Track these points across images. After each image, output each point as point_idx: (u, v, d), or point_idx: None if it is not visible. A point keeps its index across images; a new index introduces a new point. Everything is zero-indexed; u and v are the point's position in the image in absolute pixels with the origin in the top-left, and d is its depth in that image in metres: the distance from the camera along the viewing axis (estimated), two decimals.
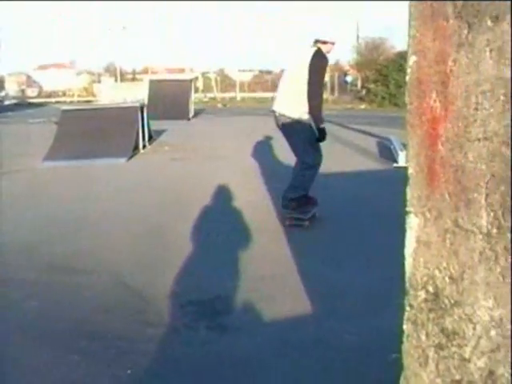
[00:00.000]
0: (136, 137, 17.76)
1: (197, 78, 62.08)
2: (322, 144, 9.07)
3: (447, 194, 2.30)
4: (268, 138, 18.26)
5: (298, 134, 9.01)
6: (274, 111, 9.23)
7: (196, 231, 8.34)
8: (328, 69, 8.88)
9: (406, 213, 2.47)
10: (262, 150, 16.64)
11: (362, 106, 47.50)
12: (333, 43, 8.95)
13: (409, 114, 2.46)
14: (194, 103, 35.12)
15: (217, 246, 7.65)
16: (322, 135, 8.99)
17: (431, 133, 2.34)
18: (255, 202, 10.60)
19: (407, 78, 2.47)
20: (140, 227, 8.60)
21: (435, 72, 2.33)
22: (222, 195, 10.99)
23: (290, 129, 9.05)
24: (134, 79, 77.46)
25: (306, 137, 8.99)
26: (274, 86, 62.84)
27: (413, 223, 2.46)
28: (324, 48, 8.93)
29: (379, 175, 13.23)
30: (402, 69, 40.70)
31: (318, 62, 8.81)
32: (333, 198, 10.72)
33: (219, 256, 7.16)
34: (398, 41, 77.34)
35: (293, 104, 8.94)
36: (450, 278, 2.31)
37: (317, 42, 9.01)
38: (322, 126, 8.90)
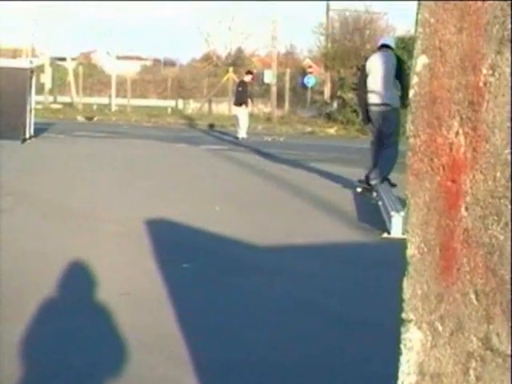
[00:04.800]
0: None
1: (41, 68, 39.56)
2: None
3: (473, 294, 1.53)
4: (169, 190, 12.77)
5: None
6: None
7: None
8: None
9: (403, 322, 1.50)
10: (152, 206, 10.74)
11: (332, 130, 30.87)
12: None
13: (412, 153, 1.49)
14: (35, 112, 22.74)
15: None
16: None
17: (449, 188, 1.56)
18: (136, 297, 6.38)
19: (411, 92, 1.46)
20: None
21: (459, 85, 1.54)
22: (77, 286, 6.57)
23: None
24: None
25: None
26: (179, 89, 47.20)
27: (413, 340, 1.56)
28: None
29: (357, 254, 8.61)
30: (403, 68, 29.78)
31: None
32: (278, 301, 6.52)
33: None
34: (400, 16, 57.45)
35: None
36: None
37: None
38: None
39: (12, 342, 4.97)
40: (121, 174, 14.29)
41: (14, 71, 21.25)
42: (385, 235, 9.00)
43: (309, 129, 30.63)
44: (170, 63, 64.73)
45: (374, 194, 11.69)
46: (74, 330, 5.34)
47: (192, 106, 40.84)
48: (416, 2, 1.49)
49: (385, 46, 12.33)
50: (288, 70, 37.25)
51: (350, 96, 29.55)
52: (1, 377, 4.47)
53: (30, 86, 21.47)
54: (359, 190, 12.33)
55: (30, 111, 21.32)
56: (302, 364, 4.86)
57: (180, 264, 7.26)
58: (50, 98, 42.11)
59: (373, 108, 11.83)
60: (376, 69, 11.84)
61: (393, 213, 9.06)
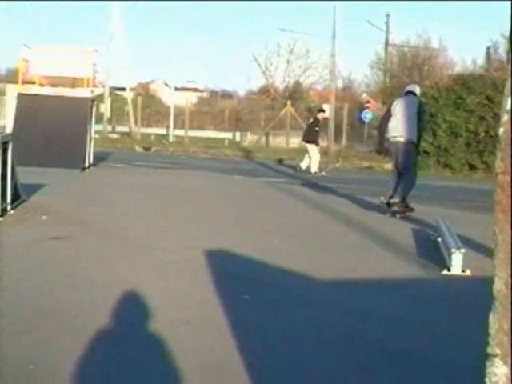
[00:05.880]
0: None
1: (101, 97, 40.29)
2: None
3: None
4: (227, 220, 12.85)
5: None
6: None
7: None
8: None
9: (488, 357, 1.43)
10: (211, 236, 10.90)
11: (389, 165, 30.22)
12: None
13: (501, 190, 1.45)
14: (95, 141, 23.32)
15: None
16: None
17: None
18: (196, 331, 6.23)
19: (501, 130, 1.44)
20: None
21: None
22: (135, 315, 6.54)
23: None
24: None
25: None
26: (236, 121, 47.78)
27: (499, 375, 1.47)
28: None
29: (418, 290, 8.45)
30: (463, 104, 29.02)
31: None
32: (337, 335, 6.37)
33: None
34: (459, 51, 56.19)
35: None
36: None
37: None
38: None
39: (69, 370, 4.98)
40: (178, 204, 14.32)
41: (76, 100, 21.68)
42: (445, 272, 8.80)
43: (366, 164, 30.01)
44: (227, 95, 65.02)
45: (399, 216, 13.63)
46: (133, 359, 5.31)
47: (249, 139, 40.84)
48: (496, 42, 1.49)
49: (410, 93, 14.17)
50: (346, 105, 36.85)
51: None
52: None
53: (91, 116, 21.73)
54: (389, 214, 13.82)
55: (90, 140, 21.52)
56: None
57: (240, 295, 7.24)
58: (109, 128, 42.66)
59: (393, 140, 13.66)
60: (400, 109, 13.74)
61: (453, 249, 8.86)
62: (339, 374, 5.26)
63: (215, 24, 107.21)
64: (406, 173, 13.79)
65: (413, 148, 13.76)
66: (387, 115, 14.13)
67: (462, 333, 6.37)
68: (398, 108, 13.91)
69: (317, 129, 25.27)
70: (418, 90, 14.53)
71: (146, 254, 9.21)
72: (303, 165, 25.04)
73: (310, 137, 25.13)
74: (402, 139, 13.60)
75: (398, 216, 13.64)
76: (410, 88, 14.68)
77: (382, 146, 14.83)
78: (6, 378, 4.87)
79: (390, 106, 14.29)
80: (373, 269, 9.21)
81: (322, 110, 27.46)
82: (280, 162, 30.23)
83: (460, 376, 5.25)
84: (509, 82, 1.52)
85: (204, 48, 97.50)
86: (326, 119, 25.43)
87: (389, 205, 13.93)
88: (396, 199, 13.84)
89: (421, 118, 13.80)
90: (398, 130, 13.67)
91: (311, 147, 24.88)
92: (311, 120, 26.74)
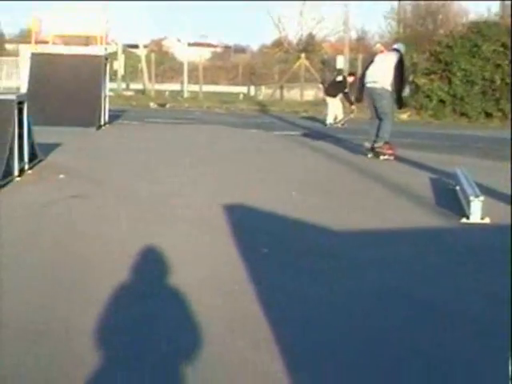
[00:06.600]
0: (8, 155, 11.01)
1: (114, 55, 39.00)
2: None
3: None
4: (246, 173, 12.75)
5: None
6: None
7: None
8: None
9: None
10: (232, 193, 10.65)
11: (405, 116, 29.20)
12: None
13: None
14: (109, 99, 22.59)
15: None
16: None
17: None
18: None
19: None
20: None
21: None
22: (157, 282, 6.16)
23: None
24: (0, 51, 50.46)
25: None
26: (250, 75, 46.92)
27: None
28: None
29: (437, 239, 8.27)
30: (478, 52, 28.48)
31: None
32: (360, 286, 6.25)
33: None
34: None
35: None
36: None
37: None
38: None
39: (89, 327, 5.00)
40: (195, 159, 14.22)
41: (90, 58, 21.45)
42: (464, 220, 8.78)
43: None
44: (240, 50, 64.55)
45: (382, 157, 14.63)
46: (154, 314, 5.31)
47: (264, 92, 40.64)
48: None
49: (395, 50, 15.11)
50: (360, 56, 36.54)
51: (423, 81, 29.30)
52: (81, 362, 4.49)
53: (105, 74, 21.49)
54: (370, 155, 14.92)
55: (105, 98, 21.26)
56: (392, 352, 4.79)
57: (259, 249, 7.24)
58: (123, 86, 42.09)
59: (369, 85, 14.63)
60: (380, 59, 14.85)
61: (472, 197, 8.82)
62: (362, 325, 5.27)
63: None
64: (384, 118, 14.59)
65: (388, 95, 14.49)
66: (369, 65, 15.19)
67: (484, 281, 6.39)
68: (378, 58, 15.04)
69: (346, 90, 24.74)
70: (402, 48, 15.37)
71: (164, 211, 9.19)
72: (330, 119, 24.80)
73: (334, 93, 24.80)
74: (376, 85, 14.47)
75: (381, 157, 14.68)
76: (395, 46, 15.86)
77: (361, 94, 15.60)
78: (25, 335, 4.91)
79: (374, 58, 15.33)
80: (392, 219, 9.19)
81: (353, 74, 26.77)
82: (300, 114, 29.94)
83: (481, 327, 5.27)
84: None
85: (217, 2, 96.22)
86: (351, 84, 24.99)
87: (373, 149, 14.86)
88: (379, 143, 14.74)
89: (400, 71, 14.62)
90: (373, 76, 14.63)
91: (332, 100, 24.65)
92: (339, 78, 25.80)
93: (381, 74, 14.57)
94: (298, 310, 5.54)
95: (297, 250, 7.35)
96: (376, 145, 14.83)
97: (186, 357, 4.53)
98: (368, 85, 14.82)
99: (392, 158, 14.75)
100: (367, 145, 15.06)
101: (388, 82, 14.48)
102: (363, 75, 15.32)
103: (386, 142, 14.81)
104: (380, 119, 14.74)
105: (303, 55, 39.06)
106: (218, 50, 67.95)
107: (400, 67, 14.65)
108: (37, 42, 22.69)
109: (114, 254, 7.07)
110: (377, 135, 14.79)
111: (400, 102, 15.17)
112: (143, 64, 43.30)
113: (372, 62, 15.21)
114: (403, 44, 16.48)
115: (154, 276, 6.31)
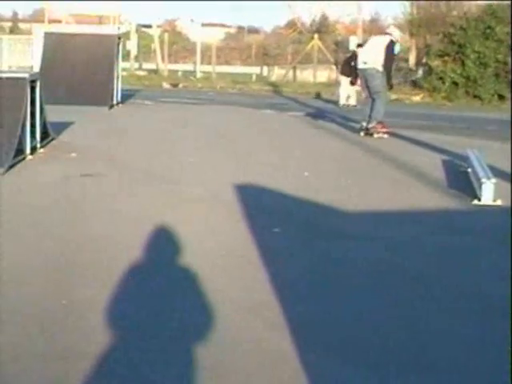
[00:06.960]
0: (20, 133, 10.81)
1: (127, 35, 38.16)
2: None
3: None
4: (256, 153, 12.77)
5: None
6: None
7: None
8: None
9: None
10: (242, 172, 10.78)
11: (418, 98, 29.38)
12: None
13: None
14: (122, 79, 22.58)
15: None
16: None
17: None
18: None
19: None
20: None
21: None
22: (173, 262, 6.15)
23: None
24: (13, 30, 49.54)
25: None
26: (263, 56, 45.91)
27: None
28: None
29: (449, 220, 8.34)
30: (492, 34, 28.24)
31: None
32: (370, 266, 6.33)
33: None
34: None
35: None
36: None
37: None
38: None
39: (103, 304, 5.05)
40: (207, 139, 14.30)
41: (103, 38, 21.48)
42: (475, 202, 8.81)
43: (394, 96, 27.96)
44: (253, 31, 64.31)
45: (376, 135, 15.16)
46: (167, 292, 5.38)
47: (276, 73, 40.42)
48: None
49: (388, 34, 15.58)
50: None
51: (436, 63, 29.20)
52: (94, 338, 4.51)
53: (118, 53, 21.47)
54: (362, 134, 15.46)
55: (117, 78, 21.22)
56: (396, 327, 4.83)
57: (270, 228, 7.27)
58: (136, 65, 41.74)
59: (361, 67, 15.32)
60: (370, 42, 16.13)
61: (484, 179, 8.86)
62: (375, 303, 5.30)
63: None
64: (376, 98, 15.10)
65: (379, 75, 14.96)
66: (360, 47, 17.02)
67: (496, 261, 6.41)
68: (371, 41, 16.28)
69: (352, 64, 24.63)
70: (396, 33, 15.99)
71: (175, 190, 9.27)
72: (342, 100, 24.70)
73: (349, 72, 24.67)
74: (367, 66, 15.08)
75: (375, 135, 15.25)
76: (387, 29, 16.58)
77: (355, 77, 17.42)
78: (42, 312, 4.94)
79: (366, 40, 16.94)
80: (403, 200, 9.27)
81: (360, 45, 26.61)
82: (318, 96, 29.73)
83: (496, 308, 5.29)
84: None
85: None
86: None
87: (368, 129, 15.39)
88: (372, 124, 15.28)
89: (391, 51, 15.04)
90: (364, 58, 15.30)
91: (346, 79, 24.49)
92: (349, 54, 26.02)
93: (373, 56, 15.03)
94: (308, 289, 5.60)
95: (308, 230, 7.40)
96: (369, 125, 15.34)
97: (199, 335, 4.57)
98: (360, 66, 15.46)
99: (386, 136, 15.29)
100: (364, 124, 15.58)
101: (379, 63, 14.91)
102: (351, 57, 16.84)
103: (379, 122, 15.34)
104: (373, 99, 15.20)
105: (316, 36, 38.86)
106: (232, 30, 67.72)
107: (391, 48, 15.03)
108: (50, 22, 22.73)
109: (126, 231, 7.15)
110: (369, 116, 15.30)
111: (390, 83, 15.56)
112: (156, 44, 43.06)
113: (365, 42, 16.35)
114: (398, 29, 17.34)
115: (164, 254, 6.37)
